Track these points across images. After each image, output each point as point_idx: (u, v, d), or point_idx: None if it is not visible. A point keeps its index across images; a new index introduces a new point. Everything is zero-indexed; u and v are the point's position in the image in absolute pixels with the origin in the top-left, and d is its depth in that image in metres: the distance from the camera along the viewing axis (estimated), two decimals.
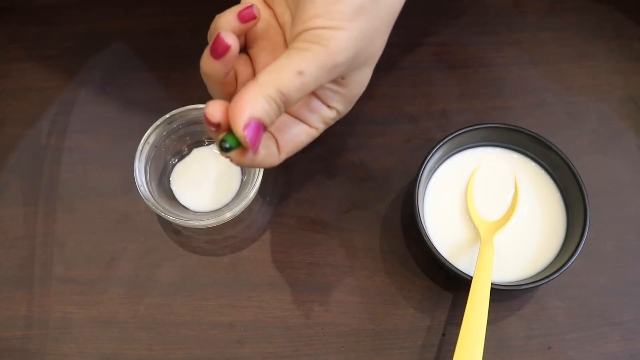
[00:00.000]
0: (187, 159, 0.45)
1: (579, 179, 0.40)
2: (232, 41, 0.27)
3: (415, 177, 0.40)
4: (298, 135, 0.32)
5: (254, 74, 0.32)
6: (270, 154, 0.30)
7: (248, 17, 0.30)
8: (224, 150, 0.27)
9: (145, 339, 0.40)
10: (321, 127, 0.32)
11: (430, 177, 0.43)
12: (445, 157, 0.43)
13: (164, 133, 0.42)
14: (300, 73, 0.26)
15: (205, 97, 0.30)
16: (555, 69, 0.50)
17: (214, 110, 0.27)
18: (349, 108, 0.33)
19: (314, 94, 0.31)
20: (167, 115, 0.41)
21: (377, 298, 0.41)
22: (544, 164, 0.43)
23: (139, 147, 0.40)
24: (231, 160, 0.28)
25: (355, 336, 0.40)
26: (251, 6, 0.30)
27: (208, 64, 0.29)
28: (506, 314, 0.41)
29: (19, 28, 0.51)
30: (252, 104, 0.26)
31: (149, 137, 0.41)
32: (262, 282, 0.42)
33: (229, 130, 0.27)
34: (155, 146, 0.42)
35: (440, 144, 0.41)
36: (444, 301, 0.41)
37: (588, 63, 0.51)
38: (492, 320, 0.40)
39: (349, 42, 0.27)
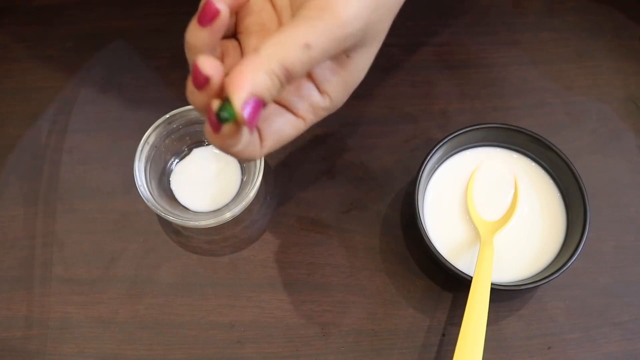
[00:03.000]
0: (187, 159, 0.45)
1: (579, 179, 0.40)
2: (222, 6, 0.25)
3: (415, 177, 0.40)
4: (283, 126, 0.28)
5: (242, 57, 0.30)
6: (252, 142, 0.27)
7: None
8: (222, 120, 0.24)
9: (145, 339, 0.40)
10: (309, 118, 0.29)
11: (430, 177, 0.43)
12: (445, 157, 0.43)
13: (164, 133, 0.42)
14: (308, 46, 0.24)
15: None
16: (555, 69, 0.50)
17: (206, 64, 0.24)
18: (344, 99, 0.30)
19: (308, 75, 0.28)
20: (167, 115, 0.41)
21: (377, 298, 0.41)
22: (544, 164, 0.43)
23: (139, 147, 0.40)
24: (210, 139, 0.26)
25: (355, 336, 0.40)
26: None
27: (195, 33, 0.26)
28: (506, 314, 0.41)
29: (19, 28, 0.51)
30: (252, 79, 0.23)
31: (149, 137, 0.41)
32: (262, 282, 0.42)
33: (225, 100, 0.24)
34: (155, 146, 0.42)
35: (440, 144, 0.41)
36: (444, 301, 0.41)
37: (588, 63, 0.51)
38: (492, 320, 0.40)
39: (361, 10, 0.25)
